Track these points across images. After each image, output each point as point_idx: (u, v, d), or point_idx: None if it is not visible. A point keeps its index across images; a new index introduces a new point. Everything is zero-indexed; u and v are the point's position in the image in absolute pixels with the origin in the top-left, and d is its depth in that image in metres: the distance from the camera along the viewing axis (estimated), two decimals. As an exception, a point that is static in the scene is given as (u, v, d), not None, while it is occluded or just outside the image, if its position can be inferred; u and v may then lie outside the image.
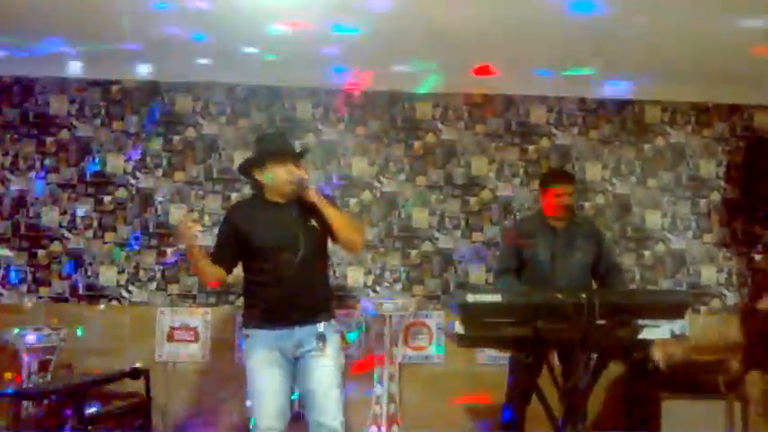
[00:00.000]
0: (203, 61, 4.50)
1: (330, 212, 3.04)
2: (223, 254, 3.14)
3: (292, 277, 2.98)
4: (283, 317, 3.01)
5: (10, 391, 3.84)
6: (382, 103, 5.01)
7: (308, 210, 3.05)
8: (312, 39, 4.04)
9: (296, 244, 2.99)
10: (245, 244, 3.07)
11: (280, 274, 2.98)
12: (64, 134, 4.85)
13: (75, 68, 4.72)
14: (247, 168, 3.19)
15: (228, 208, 3.38)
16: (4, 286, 4.73)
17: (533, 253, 3.87)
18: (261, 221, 3.06)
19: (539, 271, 3.84)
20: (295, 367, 3.06)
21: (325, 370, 3.01)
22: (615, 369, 4.57)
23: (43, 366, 4.21)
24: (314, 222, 3.06)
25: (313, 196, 3.01)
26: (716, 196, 5.08)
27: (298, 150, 3.33)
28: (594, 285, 3.95)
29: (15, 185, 4.79)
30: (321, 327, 3.04)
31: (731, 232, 5.06)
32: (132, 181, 4.84)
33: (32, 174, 4.78)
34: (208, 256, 3.14)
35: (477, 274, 4.92)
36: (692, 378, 4.23)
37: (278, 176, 3.05)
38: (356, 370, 4.61)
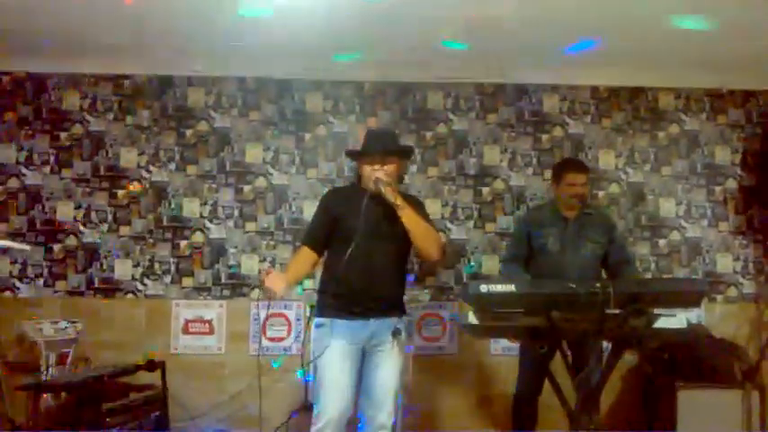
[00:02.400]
0: (214, 55, 4.52)
1: (407, 217, 3.05)
2: (318, 234, 3.21)
3: (373, 267, 3.04)
4: (361, 307, 3.05)
5: (29, 383, 3.88)
6: (393, 94, 5.00)
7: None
8: (321, 29, 4.05)
9: (382, 236, 3.06)
10: (336, 227, 3.14)
11: (362, 261, 3.01)
12: (77, 129, 4.88)
13: (87, 63, 4.75)
14: (351, 157, 3.37)
15: (325, 193, 3.45)
16: (21, 280, 4.78)
17: (543, 243, 3.85)
18: (353, 208, 3.08)
19: (549, 261, 3.82)
20: (363, 357, 3.10)
21: (392, 368, 3.09)
22: (630, 359, 4.55)
23: (61, 359, 4.26)
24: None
25: (391, 198, 3.03)
26: (731, 183, 5.03)
27: (395, 148, 3.27)
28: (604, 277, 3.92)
29: (30, 180, 4.83)
30: (394, 321, 3.11)
31: (747, 220, 5.01)
32: (146, 175, 4.87)
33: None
34: (294, 264, 3.21)
35: (491, 264, 4.90)
36: (709, 367, 4.19)
37: (364, 172, 3.15)
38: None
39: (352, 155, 3.47)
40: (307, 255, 3.20)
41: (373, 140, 3.24)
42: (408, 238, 3.10)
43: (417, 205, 3.24)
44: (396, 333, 3.08)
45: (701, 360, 4.22)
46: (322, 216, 3.24)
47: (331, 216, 3.18)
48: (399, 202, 3.04)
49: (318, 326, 3.14)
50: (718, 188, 5.02)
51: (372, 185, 3.08)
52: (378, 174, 3.08)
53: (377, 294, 3.07)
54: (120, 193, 4.85)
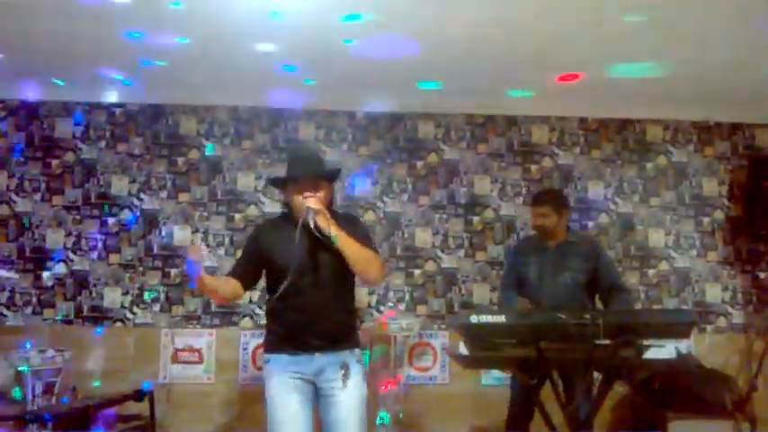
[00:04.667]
0: (206, 84, 4.55)
1: (343, 245, 2.83)
2: (242, 269, 3.03)
3: (312, 301, 2.86)
4: (303, 342, 2.87)
5: (14, 413, 3.83)
6: (385, 124, 5.05)
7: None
8: (316, 59, 4.09)
9: (315, 266, 2.87)
10: (266, 263, 2.96)
11: (299, 296, 2.84)
12: (69, 156, 4.89)
13: (80, 92, 4.78)
14: (275, 186, 3.09)
15: (255, 226, 3.26)
16: (9, 308, 4.74)
17: (525, 273, 3.89)
18: (284, 240, 2.90)
19: (529, 291, 3.84)
20: (316, 395, 2.92)
21: (348, 402, 2.88)
22: (621, 389, 4.54)
23: (48, 389, 4.21)
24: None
25: (323, 225, 2.80)
26: (719, 214, 5.08)
27: (323, 172, 3.04)
28: (600, 305, 3.92)
29: (21, 208, 4.82)
30: (344, 355, 2.91)
31: (735, 250, 5.05)
32: (137, 202, 4.87)
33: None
34: (217, 277, 3.01)
35: (481, 293, 4.91)
36: (699, 398, 4.19)
37: (294, 201, 2.94)
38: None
39: (276, 183, 3.17)
40: (230, 279, 3.02)
41: (299, 164, 3.00)
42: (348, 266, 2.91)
43: (353, 225, 3.01)
44: (343, 367, 2.89)
45: (691, 391, 4.22)
46: (248, 252, 3.05)
47: (259, 251, 2.98)
48: (334, 230, 2.81)
49: (265, 362, 2.98)
50: (705, 219, 5.07)
51: (303, 215, 2.83)
52: (308, 202, 2.82)
53: (319, 328, 2.87)
54: (110, 221, 4.84)
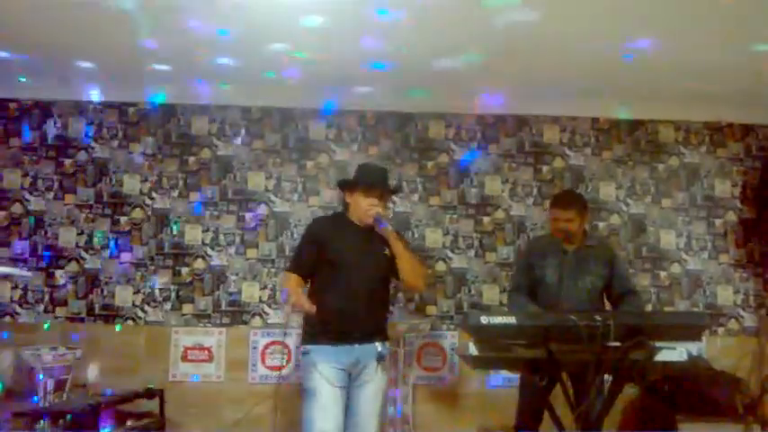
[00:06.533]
0: (219, 83, 4.58)
1: (400, 251, 3.27)
2: (306, 266, 3.32)
3: (359, 294, 3.17)
4: (345, 334, 3.15)
5: (26, 410, 3.86)
6: (395, 124, 5.04)
7: (384, 239, 3.27)
8: (326, 61, 4.11)
9: (366, 263, 3.22)
10: (320, 254, 3.26)
11: (346, 290, 3.15)
12: (82, 156, 4.92)
13: (93, 91, 4.81)
14: (341, 187, 3.49)
15: (311, 222, 3.60)
16: (21, 306, 4.78)
17: (542, 274, 3.84)
18: (339, 236, 3.27)
19: (547, 292, 3.81)
20: (348, 380, 3.21)
21: (375, 392, 3.22)
22: (631, 391, 4.52)
23: (59, 386, 4.24)
24: (386, 251, 3.27)
25: (387, 233, 3.27)
26: (731, 216, 5.05)
27: (390, 187, 3.51)
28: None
29: (34, 206, 4.86)
30: (379, 346, 3.23)
31: (747, 252, 5.01)
32: (148, 201, 4.89)
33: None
34: (301, 285, 3.31)
35: (491, 294, 4.90)
36: (710, 400, 4.16)
37: (360, 205, 3.29)
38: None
39: (346, 185, 3.49)
40: (297, 281, 3.31)
41: (372, 175, 3.39)
42: (391, 265, 3.27)
43: (405, 241, 3.43)
44: (380, 358, 3.21)
45: (702, 393, 4.19)
46: (310, 246, 3.34)
47: (318, 246, 3.29)
48: (394, 238, 3.27)
49: (306, 353, 3.24)
50: (718, 221, 5.04)
51: (370, 220, 3.27)
52: (378, 209, 3.27)
53: (362, 320, 3.19)
54: (123, 219, 4.87)
